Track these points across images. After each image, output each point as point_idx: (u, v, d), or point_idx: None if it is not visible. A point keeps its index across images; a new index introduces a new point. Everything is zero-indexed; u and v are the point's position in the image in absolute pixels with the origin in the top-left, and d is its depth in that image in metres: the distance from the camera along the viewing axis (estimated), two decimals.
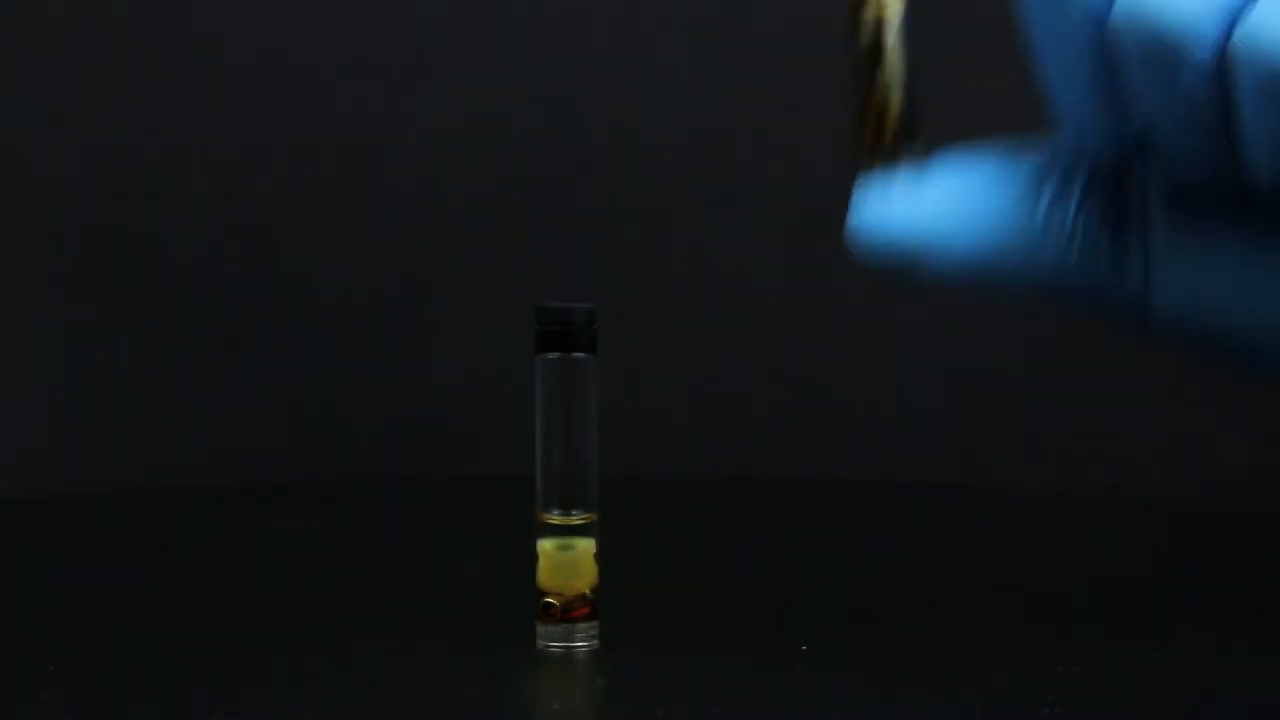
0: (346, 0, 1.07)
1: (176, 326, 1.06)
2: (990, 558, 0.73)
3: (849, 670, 0.52)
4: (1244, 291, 0.39)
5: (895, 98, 0.45)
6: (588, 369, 0.54)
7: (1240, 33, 0.35)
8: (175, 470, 1.04)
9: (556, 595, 0.54)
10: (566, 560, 0.54)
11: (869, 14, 0.46)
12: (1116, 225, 0.40)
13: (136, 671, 0.52)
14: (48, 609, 0.63)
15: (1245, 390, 0.56)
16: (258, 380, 1.06)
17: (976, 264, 0.40)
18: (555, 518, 0.54)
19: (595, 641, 0.54)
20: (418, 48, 1.07)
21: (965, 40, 0.87)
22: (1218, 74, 0.36)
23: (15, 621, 0.60)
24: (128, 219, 1.05)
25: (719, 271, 1.07)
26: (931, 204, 0.41)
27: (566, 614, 0.54)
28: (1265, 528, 0.82)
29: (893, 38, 0.46)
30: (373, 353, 1.07)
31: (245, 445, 1.05)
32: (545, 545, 0.54)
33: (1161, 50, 0.36)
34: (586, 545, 0.54)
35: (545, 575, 0.54)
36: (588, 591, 0.54)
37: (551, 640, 0.54)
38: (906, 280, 0.41)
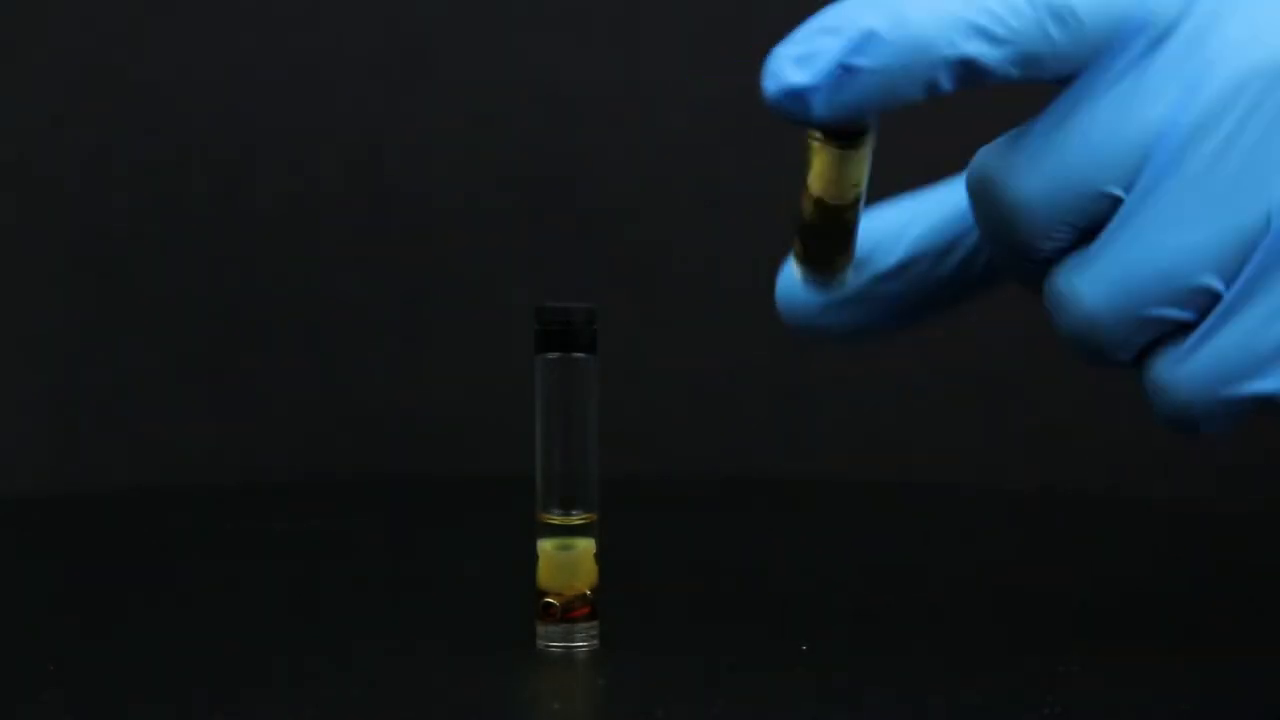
0: (346, 0, 1.07)
1: (176, 326, 1.06)
2: (990, 558, 0.73)
3: (849, 670, 0.52)
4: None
5: (837, 235, 0.47)
6: (588, 369, 0.54)
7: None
8: (175, 470, 1.04)
9: (556, 595, 0.54)
10: (566, 560, 0.54)
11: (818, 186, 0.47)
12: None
13: (136, 671, 0.52)
14: (48, 609, 0.63)
15: None
16: (258, 380, 1.06)
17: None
18: (555, 518, 0.54)
19: (595, 641, 0.54)
20: (418, 48, 1.07)
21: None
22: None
23: (15, 621, 0.60)
24: (128, 219, 1.05)
25: (719, 271, 1.07)
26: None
27: (566, 614, 0.54)
28: (1265, 528, 0.82)
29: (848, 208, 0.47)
30: (373, 353, 1.07)
31: (245, 445, 1.05)
32: (545, 545, 0.54)
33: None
34: (586, 545, 0.54)
35: (545, 575, 0.54)
36: (588, 591, 0.54)
37: (551, 640, 0.54)
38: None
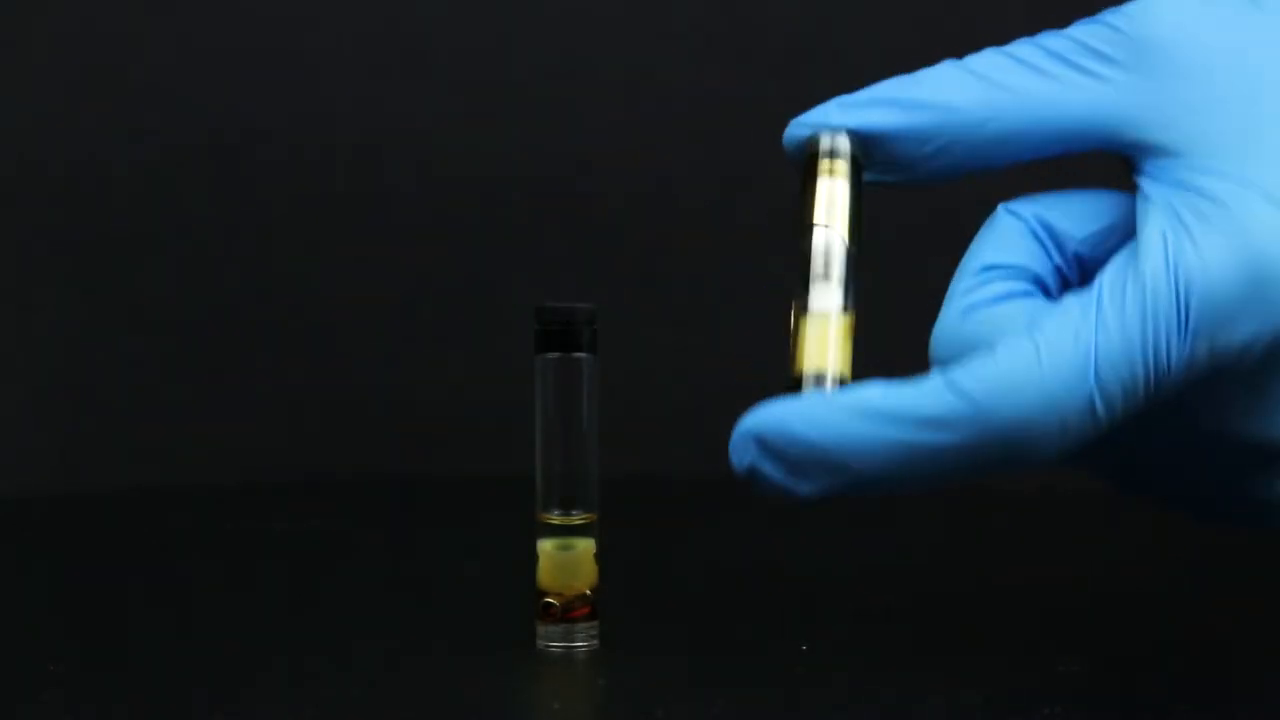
0: (346, 0, 1.07)
1: (177, 326, 1.06)
2: (990, 558, 0.73)
3: (849, 670, 0.52)
4: None
5: (830, 345, 0.46)
6: (588, 369, 0.54)
7: None
8: (175, 470, 1.04)
9: (556, 595, 0.54)
10: (566, 560, 0.54)
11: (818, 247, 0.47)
12: None
13: (136, 671, 0.52)
14: (48, 609, 0.62)
15: None
16: (258, 380, 1.06)
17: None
18: (555, 518, 0.54)
19: (595, 641, 0.54)
20: (418, 48, 1.07)
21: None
22: None
23: (15, 621, 0.60)
24: (128, 219, 1.05)
25: (719, 271, 1.07)
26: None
27: (566, 614, 0.54)
28: (1267, 527, 0.82)
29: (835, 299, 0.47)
30: (373, 353, 1.07)
31: (245, 445, 1.05)
32: (545, 545, 0.54)
33: None
34: (586, 545, 0.54)
35: (545, 575, 0.54)
36: (588, 591, 0.54)
37: (551, 640, 0.54)
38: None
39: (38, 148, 1.05)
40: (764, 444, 0.45)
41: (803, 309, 0.46)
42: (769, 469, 0.45)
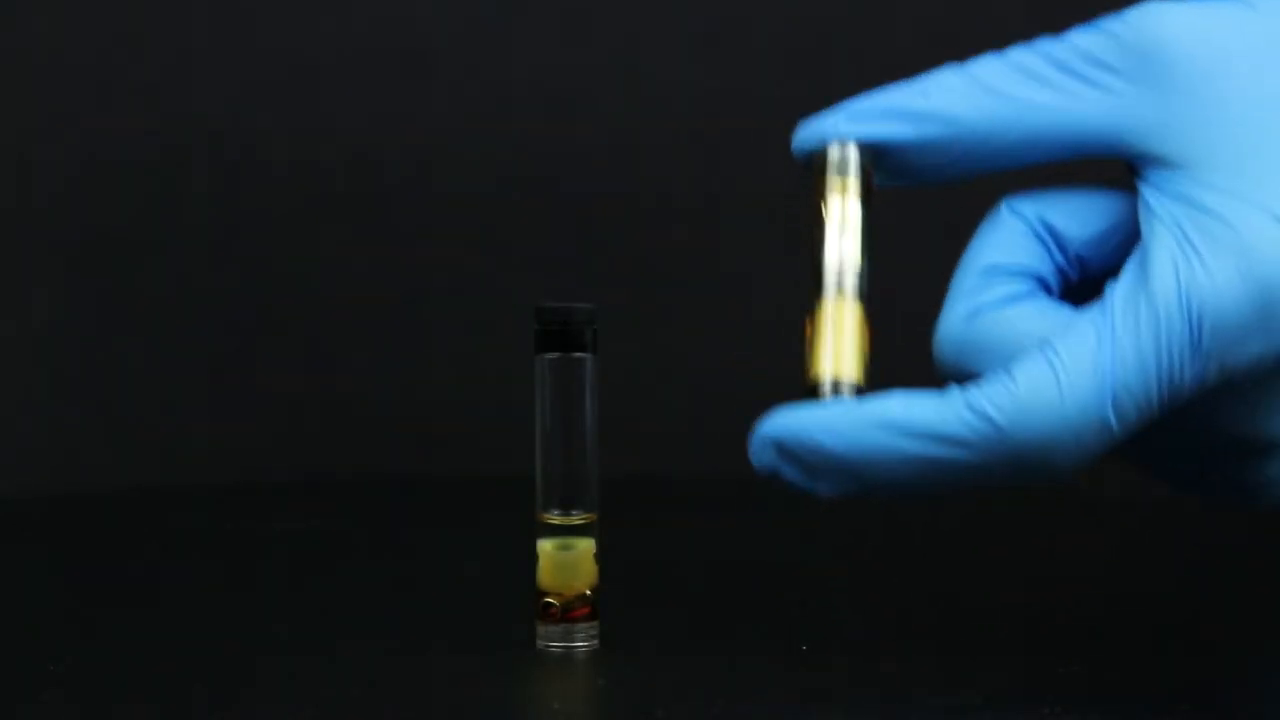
0: (346, 0, 1.07)
1: (176, 326, 1.06)
2: (990, 558, 0.73)
3: (849, 670, 0.52)
4: None
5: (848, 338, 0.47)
6: (588, 369, 0.54)
7: None
8: (175, 470, 1.04)
9: (556, 595, 0.54)
10: (566, 560, 0.54)
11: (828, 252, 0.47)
12: None
13: (136, 671, 0.52)
14: (48, 609, 0.63)
15: None
16: (258, 380, 1.06)
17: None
18: (555, 518, 0.54)
19: (595, 641, 0.54)
20: (418, 48, 1.07)
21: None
22: None
23: (15, 621, 0.60)
24: (128, 219, 1.05)
25: (719, 271, 1.07)
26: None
27: (566, 614, 0.54)
28: (1266, 527, 0.82)
29: (850, 284, 0.47)
30: (372, 353, 1.07)
31: (245, 445, 1.05)
32: (545, 545, 0.54)
33: None
34: (586, 545, 0.54)
35: (545, 575, 0.54)
36: (588, 591, 0.54)
37: (551, 640, 0.54)
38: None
39: (38, 148, 1.05)
40: (783, 449, 0.46)
41: (818, 316, 0.47)
42: (788, 471, 0.46)
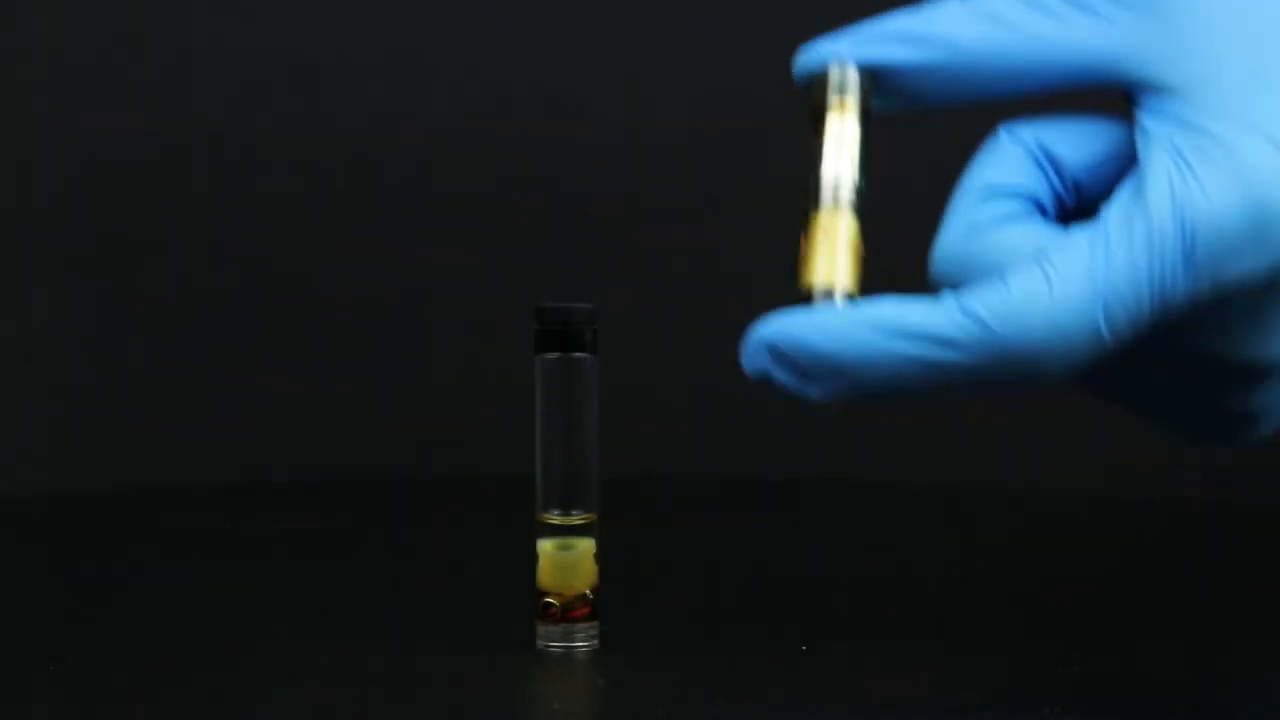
0: (346, 0, 1.07)
1: (177, 326, 1.06)
2: (989, 558, 0.73)
3: (849, 670, 0.52)
4: None
5: (843, 241, 0.47)
6: (588, 369, 0.54)
7: None
8: (175, 470, 1.04)
9: (556, 595, 0.54)
10: (566, 560, 0.54)
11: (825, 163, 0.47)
12: None
13: (136, 671, 0.52)
14: (48, 609, 0.63)
15: None
16: (258, 380, 1.06)
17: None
18: (555, 518, 0.54)
19: (595, 641, 0.54)
20: (418, 48, 1.07)
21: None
22: None
23: (15, 621, 0.60)
24: (128, 219, 1.05)
25: (719, 271, 1.07)
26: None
27: (566, 614, 0.54)
28: (1265, 527, 0.82)
29: (846, 191, 0.47)
30: (373, 353, 1.07)
31: (245, 445, 1.05)
32: (545, 545, 0.54)
33: None
34: (586, 545, 0.54)
35: (545, 575, 0.54)
36: (588, 591, 0.54)
37: (551, 640, 0.54)
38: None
39: (38, 148, 1.05)
40: (776, 352, 0.46)
41: (812, 227, 0.47)
42: (780, 375, 0.47)
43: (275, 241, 1.06)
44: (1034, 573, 0.69)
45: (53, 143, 1.05)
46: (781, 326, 0.46)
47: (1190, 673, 0.52)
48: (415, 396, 1.07)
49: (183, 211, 1.06)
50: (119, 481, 1.02)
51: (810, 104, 0.49)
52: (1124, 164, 0.47)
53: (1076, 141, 0.48)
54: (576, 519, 0.54)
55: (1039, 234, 0.46)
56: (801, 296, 0.47)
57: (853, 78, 0.48)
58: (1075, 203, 0.48)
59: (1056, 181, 0.48)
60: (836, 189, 0.48)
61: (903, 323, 0.45)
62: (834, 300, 0.47)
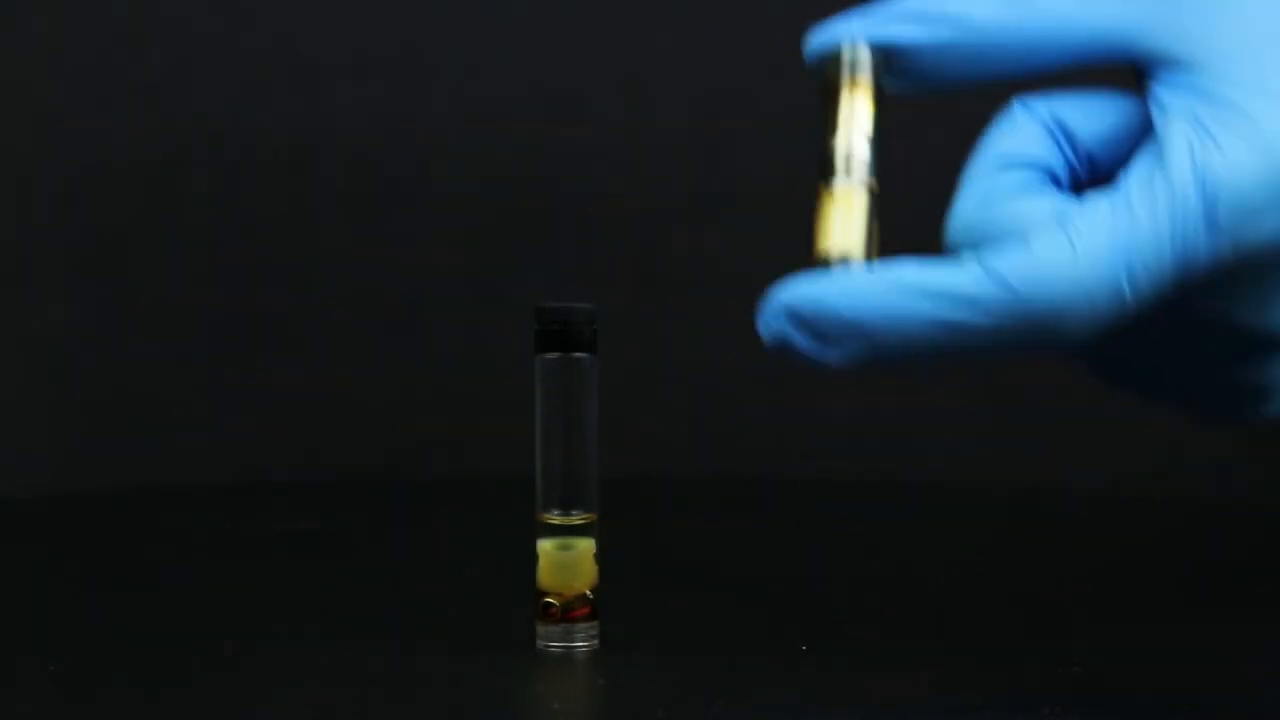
0: (346, 0, 1.07)
1: (177, 326, 1.06)
2: (990, 557, 0.73)
3: (849, 670, 0.52)
4: None
5: (855, 211, 0.47)
6: (588, 369, 0.54)
7: None
8: (175, 470, 1.04)
9: (556, 595, 0.54)
10: (566, 560, 0.54)
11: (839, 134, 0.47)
12: None
13: (136, 671, 0.52)
14: (48, 609, 0.63)
15: None
16: (257, 380, 1.06)
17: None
18: (555, 518, 0.54)
19: (595, 641, 0.54)
20: (418, 48, 1.07)
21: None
22: None
23: (15, 621, 0.60)
24: (128, 219, 1.05)
25: (719, 271, 1.07)
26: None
27: (566, 614, 0.54)
28: (1266, 528, 0.82)
29: (859, 168, 0.47)
30: (373, 353, 1.07)
31: (245, 445, 1.05)
32: (545, 545, 0.54)
33: None
34: (586, 545, 0.54)
35: (545, 575, 0.54)
36: (588, 591, 0.54)
37: (551, 640, 0.54)
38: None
39: (39, 148, 1.05)
40: (796, 316, 0.46)
41: (824, 199, 0.47)
42: (799, 339, 0.46)
43: (275, 241, 1.06)
44: (1034, 573, 0.69)
45: (53, 143, 1.05)
46: (801, 290, 0.46)
47: (1190, 673, 0.52)
48: (415, 396, 1.07)
49: (183, 211, 1.06)
50: (119, 481, 1.02)
51: (823, 83, 0.49)
52: (1137, 138, 0.47)
53: (1090, 114, 0.48)
54: (576, 519, 0.54)
55: (1055, 202, 0.46)
56: (818, 264, 0.47)
57: (864, 57, 0.48)
58: (1088, 175, 0.48)
59: (1070, 153, 0.48)
60: (849, 161, 0.48)
61: (925, 283, 0.45)
62: (851, 265, 0.47)
